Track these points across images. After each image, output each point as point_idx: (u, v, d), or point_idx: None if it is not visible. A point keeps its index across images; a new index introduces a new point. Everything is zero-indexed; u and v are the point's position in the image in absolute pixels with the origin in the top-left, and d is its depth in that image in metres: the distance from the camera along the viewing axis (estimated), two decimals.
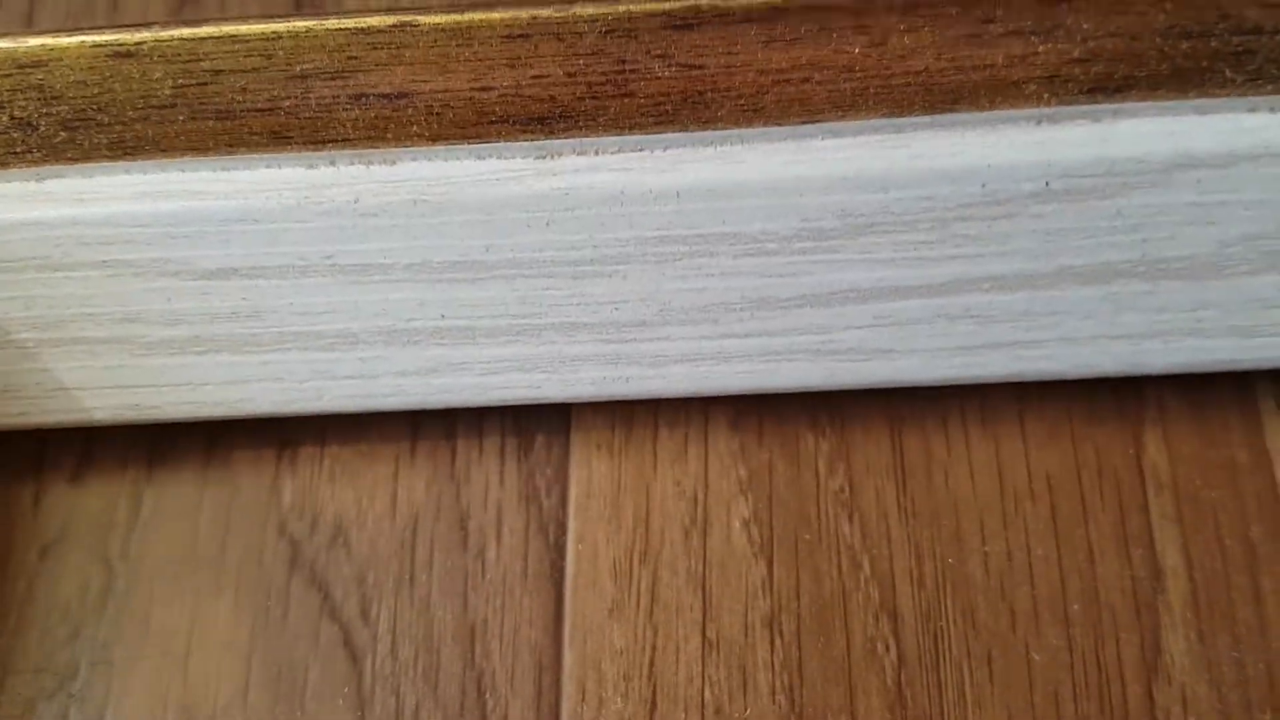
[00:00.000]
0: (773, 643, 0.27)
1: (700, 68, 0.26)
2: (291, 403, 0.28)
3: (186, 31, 0.26)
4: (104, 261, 0.27)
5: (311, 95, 0.26)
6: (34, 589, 0.28)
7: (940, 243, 0.26)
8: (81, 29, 0.27)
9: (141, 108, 0.26)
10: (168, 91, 0.26)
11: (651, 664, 0.27)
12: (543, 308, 0.27)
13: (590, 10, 0.26)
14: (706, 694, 0.26)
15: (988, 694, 0.26)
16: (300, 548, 0.28)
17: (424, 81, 0.26)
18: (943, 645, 0.27)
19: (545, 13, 0.26)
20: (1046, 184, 0.26)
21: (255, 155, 0.27)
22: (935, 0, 0.26)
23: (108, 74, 0.26)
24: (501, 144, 0.26)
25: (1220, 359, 0.27)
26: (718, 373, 0.28)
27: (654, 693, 0.26)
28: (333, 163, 0.27)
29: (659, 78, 0.26)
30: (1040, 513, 0.28)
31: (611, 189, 0.26)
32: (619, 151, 0.26)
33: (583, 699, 0.26)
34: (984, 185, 0.26)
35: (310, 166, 0.27)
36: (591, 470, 0.28)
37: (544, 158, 0.26)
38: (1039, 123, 0.26)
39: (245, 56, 0.26)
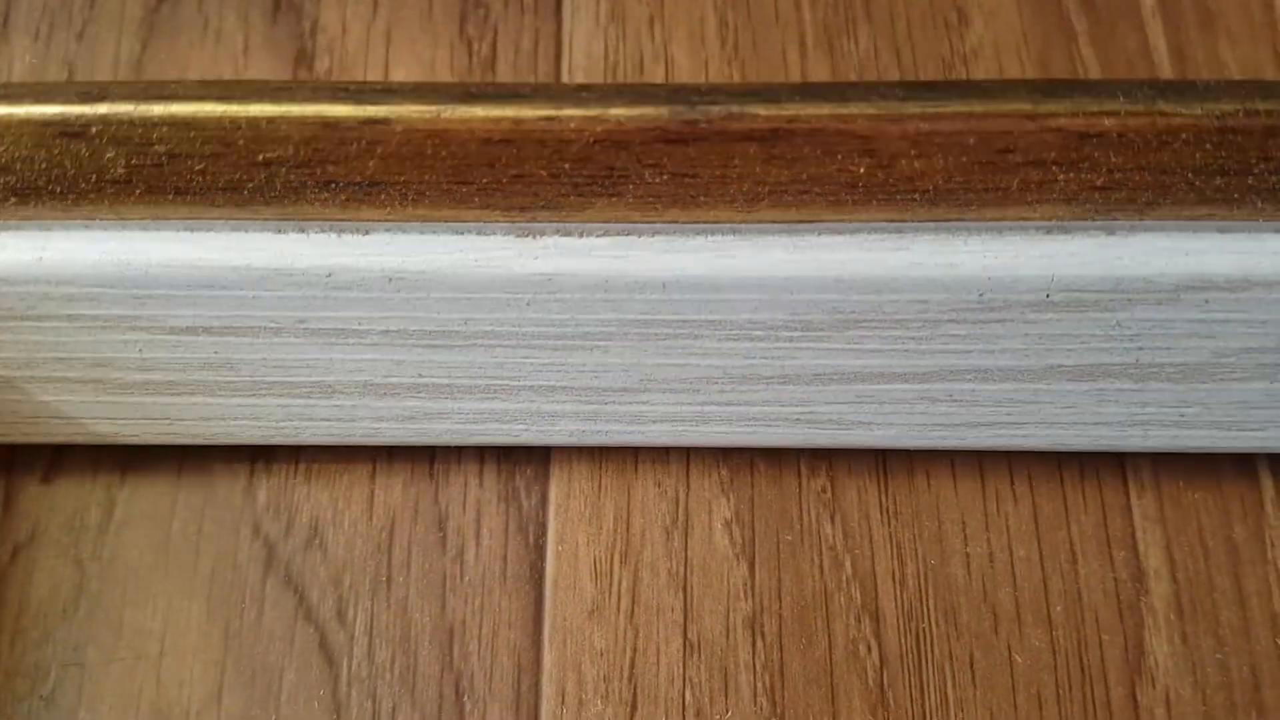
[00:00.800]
0: (754, 644, 0.26)
1: (694, 176, 0.25)
2: (269, 438, 0.28)
3: (138, 114, 0.25)
4: (70, 315, 0.26)
5: (276, 180, 0.25)
6: (4, 590, 0.27)
7: (929, 339, 0.26)
8: (28, 96, 0.25)
9: (95, 182, 0.25)
10: (121, 170, 0.25)
11: (632, 665, 0.26)
12: (522, 373, 0.27)
13: (578, 116, 0.25)
14: (688, 696, 0.26)
15: (970, 695, 0.26)
16: (275, 549, 0.28)
17: (397, 174, 0.25)
18: (925, 646, 0.26)
19: (529, 115, 0.25)
20: (1047, 296, 0.25)
21: (221, 219, 0.26)
22: (952, 130, 0.25)
23: (56, 150, 0.25)
24: (481, 223, 0.26)
25: (1198, 445, 0.27)
26: (696, 431, 0.27)
27: (634, 694, 0.26)
28: (303, 229, 0.26)
29: (649, 184, 0.25)
30: (1022, 513, 0.28)
31: (596, 277, 0.25)
32: (605, 235, 0.26)
33: (562, 701, 0.26)
34: (981, 295, 0.25)
35: (279, 232, 0.26)
36: (572, 471, 0.28)
37: (526, 236, 0.26)
38: (1049, 232, 0.25)
39: (202, 143, 0.25)
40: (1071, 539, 0.27)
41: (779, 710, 0.26)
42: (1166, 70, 0.32)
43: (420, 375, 0.27)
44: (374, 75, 0.33)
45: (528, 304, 0.26)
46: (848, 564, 0.27)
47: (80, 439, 0.28)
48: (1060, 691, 0.26)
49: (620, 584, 0.27)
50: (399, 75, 0.33)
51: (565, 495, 0.28)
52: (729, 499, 0.28)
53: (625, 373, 0.27)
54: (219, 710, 0.26)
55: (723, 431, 0.27)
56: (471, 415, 0.27)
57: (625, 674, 0.26)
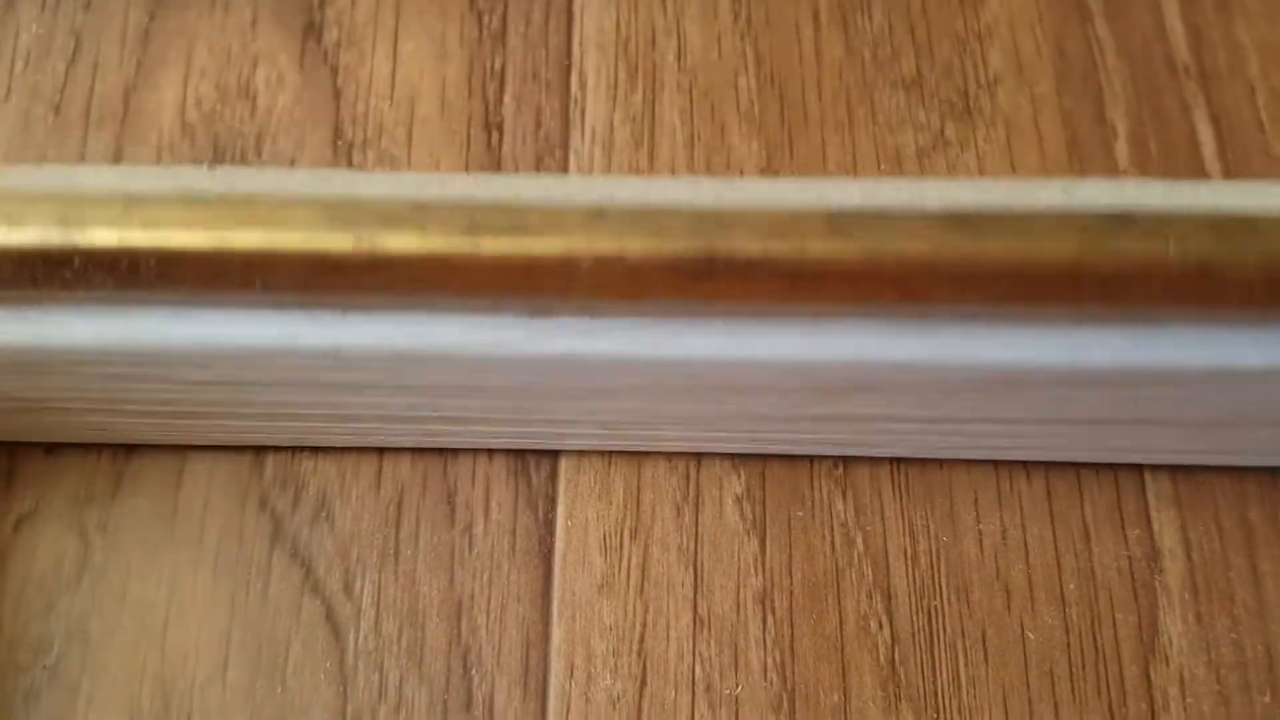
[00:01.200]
0: (764, 620, 0.26)
1: (711, 300, 0.24)
2: (289, 444, 0.28)
3: (122, 245, 0.24)
4: (78, 373, 0.26)
5: (272, 293, 0.24)
6: (8, 562, 0.27)
7: (943, 401, 0.26)
8: (2, 221, 0.24)
9: (83, 294, 0.24)
10: (110, 285, 0.24)
11: (641, 640, 0.26)
12: (536, 412, 0.27)
13: (590, 254, 0.24)
14: (697, 671, 0.26)
15: (982, 673, 0.26)
16: (282, 522, 0.27)
17: (400, 288, 0.24)
18: (936, 623, 0.26)
19: (538, 249, 0.24)
20: (1067, 378, 0.25)
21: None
22: (991, 271, 0.23)
23: (40, 273, 0.24)
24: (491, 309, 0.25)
25: (1203, 463, 0.27)
26: (709, 446, 0.28)
27: (644, 669, 0.26)
28: (306, 309, 0.25)
29: (665, 301, 0.24)
30: (1035, 491, 0.27)
31: (611, 356, 0.25)
32: (621, 317, 0.25)
33: (571, 675, 0.26)
34: (1001, 375, 0.25)
35: (281, 309, 0.25)
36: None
37: (538, 317, 0.25)
38: (1078, 324, 0.24)
39: (194, 272, 0.24)
40: (1085, 517, 0.27)
41: (789, 686, 0.26)
42: (1183, 51, 0.32)
43: (435, 411, 0.27)
44: (383, 49, 0.32)
45: (540, 373, 0.25)
46: (859, 540, 0.27)
47: (98, 440, 0.28)
48: (1073, 670, 0.26)
49: (630, 559, 0.27)
50: (408, 48, 0.32)
51: (575, 470, 0.28)
52: (740, 474, 0.28)
53: (638, 413, 0.27)
54: (224, 682, 0.26)
55: (735, 448, 0.28)
56: (486, 435, 0.27)
57: (634, 649, 0.26)
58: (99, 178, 0.25)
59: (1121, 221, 0.24)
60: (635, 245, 0.24)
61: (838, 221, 0.24)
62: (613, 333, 0.25)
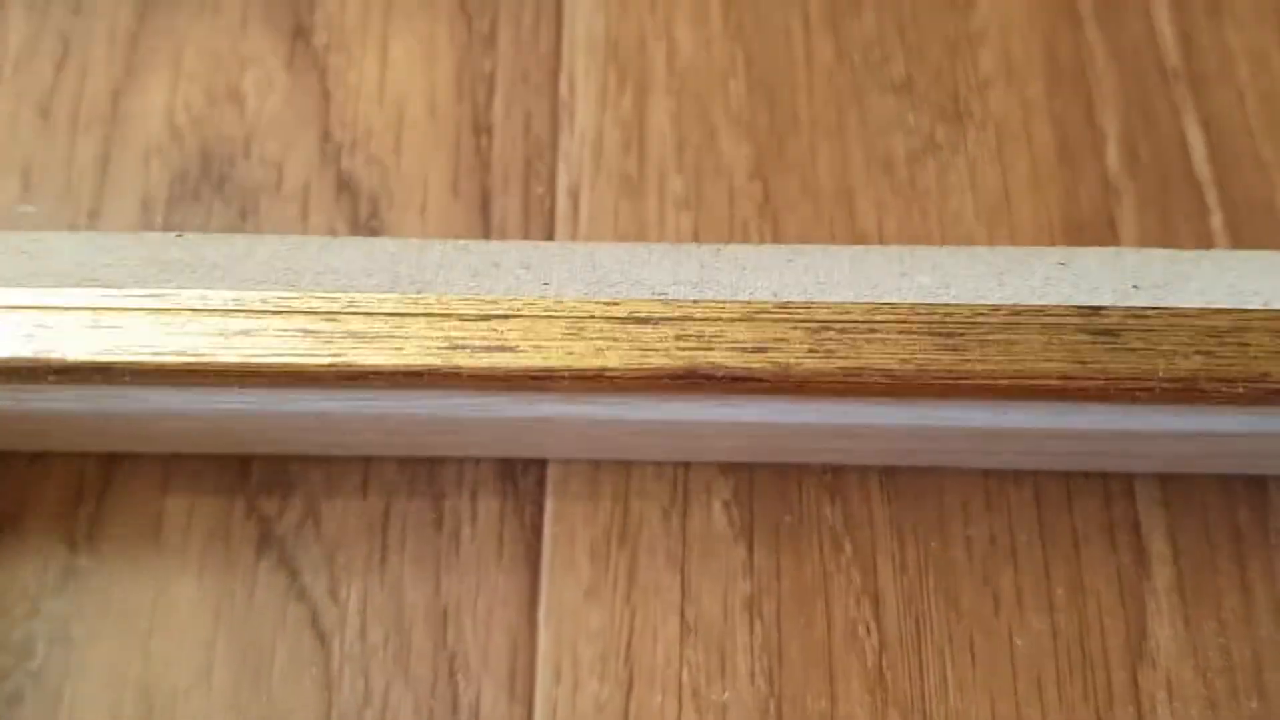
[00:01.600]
0: (752, 625, 0.26)
1: (692, 402, 0.25)
2: (281, 449, 0.28)
3: (95, 363, 0.24)
4: (64, 423, 0.26)
5: (251, 391, 0.25)
6: None
7: (931, 441, 0.26)
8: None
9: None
10: (89, 386, 0.25)
11: (629, 646, 0.26)
12: (523, 442, 0.27)
13: (570, 371, 0.24)
14: (684, 676, 0.26)
15: (969, 678, 0.26)
16: (269, 526, 0.27)
17: (376, 390, 0.24)
18: (924, 629, 0.26)
19: (516, 365, 0.23)
20: (1054, 433, 0.25)
21: None
22: (974, 387, 0.23)
23: (23, 381, 0.24)
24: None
25: (1197, 473, 0.27)
26: (699, 455, 0.28)
27: (631, 675, 0.26)
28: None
29: (647, 399, 0.25)
30: (1024, 497, 0.27)
31: (594, 419, 0.25)
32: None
33: (558, 681, 0.26)
34: (988, 430, 0.25)
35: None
36: None
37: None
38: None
39: (169, 378, 0.24)
40: (1074, 522, 0.27)
41: (776, 691, 0.26)
42: (1173, 55, 0.32)
43: (421, 439, 0.27)
44: (373, 52, 0.32)
45: (525, 426, 0.26)
46: (848, 546, 0.27)
47: (83, 449, 0.28)
48: (1060, 675, 0.26)
49: (617, 564, 0.27)
50: (398, 52, 0.32)
51: (563, 475, 0.28)
52: (728, 479, 0.27)
53: (624, 444, 0.27)
54: (209, 688, 0.26)
55: (721, 459, 0.28)
56: (477, 445, 0.28)
57: (622, 654, 0.26)
58: (62, 255, 0.25)
59: (1109, 336, 0.23)
60: (615, 361, 0.24)
61: (819, 340, 0.24)
62: (597, 403, 0.25)
